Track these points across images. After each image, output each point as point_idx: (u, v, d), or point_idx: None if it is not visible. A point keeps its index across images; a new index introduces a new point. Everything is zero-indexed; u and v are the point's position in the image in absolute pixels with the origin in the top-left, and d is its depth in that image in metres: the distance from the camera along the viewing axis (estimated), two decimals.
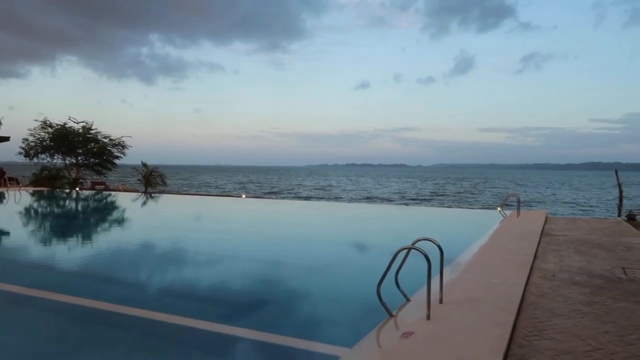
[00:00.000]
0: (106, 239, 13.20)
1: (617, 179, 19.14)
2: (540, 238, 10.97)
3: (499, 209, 16.48)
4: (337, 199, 47.90)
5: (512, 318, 5.00)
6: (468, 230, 15.03)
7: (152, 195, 27.96)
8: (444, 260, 5.89)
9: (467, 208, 35.02)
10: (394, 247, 5.31)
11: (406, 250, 5.41)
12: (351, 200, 45.94)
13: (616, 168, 21.17)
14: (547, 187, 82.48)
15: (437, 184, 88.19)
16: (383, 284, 5.12)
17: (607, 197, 50.40)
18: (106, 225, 16.21)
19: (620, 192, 18.78)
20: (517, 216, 15.40)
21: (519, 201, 15.85)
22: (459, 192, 60.68)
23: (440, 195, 55.78)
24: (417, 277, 5.62)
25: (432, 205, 39.61)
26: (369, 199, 48.12)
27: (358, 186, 77.31)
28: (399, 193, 58.22)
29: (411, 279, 6.02)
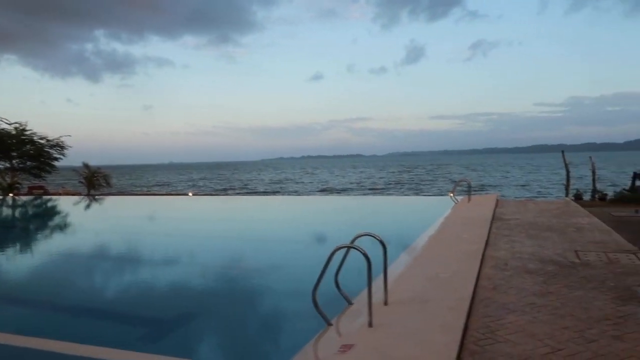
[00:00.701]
0: (33, 248, 11.96)
1: (564, 160, 19.31)
2: (491, 223, 10.63)
3: (450, 194, 16.22)
4: (292, 192, 47.12)
5: (463, 320, 4.44)
6: (419, 218, 14.64)
7: (95, 197, 26.33)
8: (390, 255, 5.30)
9: (421, 195, 35.05)
10: (342, 241, 4.66)
11: (346, 248, 4.76)
12: (307, 193, 45.27)
13: (561, 149, 21.44)
14: (497, 171, 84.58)
15: (393, 172, 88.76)
16: (323, 285, 4.46)
17: (556, 178, 51.93)
18: (37, 233, 14.84)
19: (567, 172, 18.93)
20: (469, 201, 15.16)
21: (469, 186, 15.64)
22: (414, 180, 61.12)
23: (397, 183, 55.93)
24: (363, 275, 4.99)
25: (389, 194, 39.50)
26: (325, 191, 47.60)
27: (314, 178, 76.82)
28: (356, 183, 58.04)
29: (355, 277, 5.38)
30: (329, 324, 4.58)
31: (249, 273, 8.35)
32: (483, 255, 7.39)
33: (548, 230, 9.73)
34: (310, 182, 60.79)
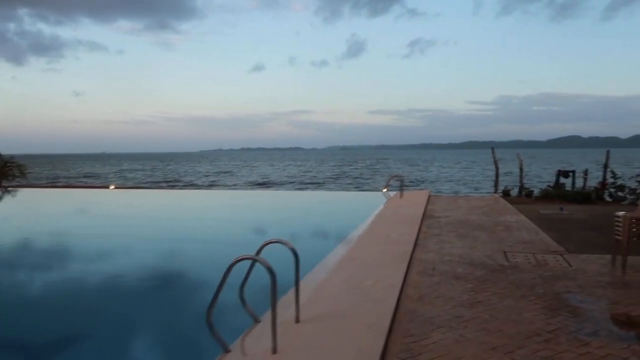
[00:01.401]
0: None
1: (494, 156, 19.60)
2: (421, 222, 10.30)
3: (384, 189, 15.90)
4: (227, 186, 45.65)
5: (382, 342, 3.85)
6: (350, 216, 14.13)
7: (8, 189, 23.92)
8: (314, 259, 4.68)
9: (359, 190, 34.74)
10: (261, 241, 3.94)
11: (257, 256, 4.04)
12: (243, 187, 43.99)
13: (491, 146, 21.81)
14: (434, 166, 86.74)
15: (333, 166, 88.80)
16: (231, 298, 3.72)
17: (487, 174, 53.76)
18: None
19: (497, 168, 19.22)
20: (401, 197, 14.89)
21: (402, 182, 15.37)
22: (353, 175, 61.21)
23: (337, 178, 55.60)
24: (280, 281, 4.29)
25: (327, 189, 39.00)
26: (263, 185, 46.44)
27: (254, 171, 75.15)
28: (294, 177, 57.24)
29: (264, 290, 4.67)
30: (227, 351, 3.85)
31: (139, 282, 7.34)
32: (411, 258, 6.92)
33: (478, 229, 9.50)
34: (245, 176, 59.29)
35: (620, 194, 16.22)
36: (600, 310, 4.76)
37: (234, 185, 45.26)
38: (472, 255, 7.18)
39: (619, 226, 6.28)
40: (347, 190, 32.34)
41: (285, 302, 4.60)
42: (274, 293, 3.71)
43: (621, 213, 6.28)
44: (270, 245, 4.32)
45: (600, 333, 4.17)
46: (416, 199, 14.78)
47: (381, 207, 13.10)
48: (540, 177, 40.54)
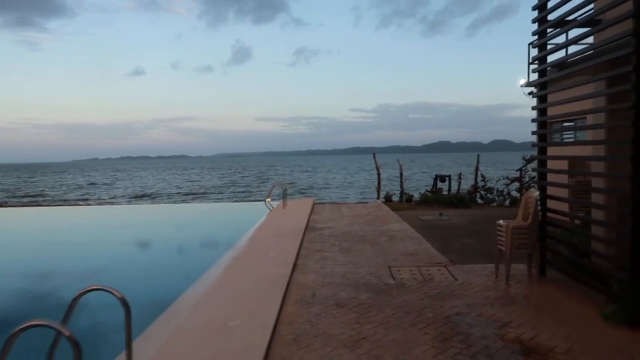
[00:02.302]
0: None
1: (375, 162, 19.76)
2: (304, 235, 9.57)
3: (268, 199, 15.03)
4: (97, 201, 41.45)
5: None
6: (227, 232, 12.66)
7: None
8: (178, 289, 3.57)
9: (239, 201, 33.29)
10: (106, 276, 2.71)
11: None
12: (116, 201, 40.24)
13: (372, 152, 22.05)
14: (321, 172, 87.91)
15: (222, 174, 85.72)
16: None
17: (372, 179, 55.34)
18: None
19: (379, 174, 19.38)
20: (284, 207, 14.12)
21: (284, 191, 14.61)
22: (241, 183, 59.41)
23: (224, 187, 53.23)
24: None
25: (214, 200, 36.95)
26: (139, 197, 42.79)
27: (133, 182, 69.62)
28: (180, 187, 53.73)
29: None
30: None
31: None
32: (289, 283, 6.08)
33: (361, 241, 8.99)
34: (119, 188, 54.34)
35: (489, 196, 17.14)
36: (492, 336, 4.29)
37: (107, 199, 41.30)
38: (356, 274, 6.54)
39: (501, 236, 6.02)
40: (233, 201, 30.79)
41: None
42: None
43: (503, 222, 6.04)
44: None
45: None
46: (300, 208, 14.12)
47: (263, 219, 12.20)
48: (420, 181, 42.63)
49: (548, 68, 6.18)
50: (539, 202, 5.97)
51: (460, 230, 10.11)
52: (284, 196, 14.59)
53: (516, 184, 16.96)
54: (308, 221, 11.65)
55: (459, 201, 15.27)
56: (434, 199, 15.81)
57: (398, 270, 6.74)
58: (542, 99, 6.21)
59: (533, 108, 6.36)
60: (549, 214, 6.23)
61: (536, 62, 6.26)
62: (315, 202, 16.87)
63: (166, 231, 13.24)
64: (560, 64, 6.07)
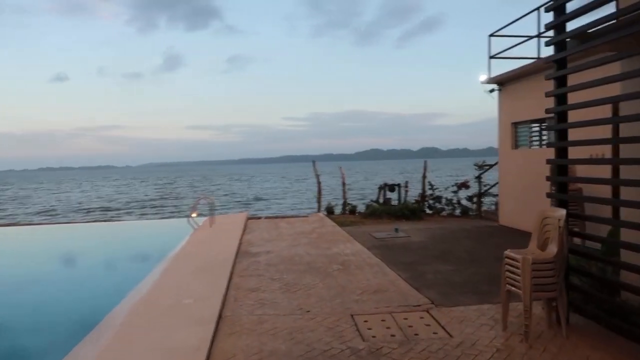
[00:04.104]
0: None
1: (315, 170, 17.91)
2: (234, 265, 7.43)
3: (193, 215, 12.68)
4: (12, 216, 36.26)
5: None
6: (134, 264, 10.02)
7: None
8: None
9: (161, 217, 29.48)
10: None
11: None
12: (22, 219, 35.38)
13: (306, 160, 20.27)
14: (257, 182, 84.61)
15: (157, 185, 79.81)
16: None
17: (312, 188, 52.91)
18: None
19: (319, 184, 17.54)
20: (211, 225, 11.86)
21: (212, 206, 12.32)
22: (170, 195, 55.03)
23: (145, 200, 48.53)
24: None
25: (137, 216, 32.67)
26: (47, 213, 37.50)
27: (53, 196, 62.62)
28: (102, 201, 48.44)
29: None
30: None
31: None
32: (208, 355, 3.97)
33: (309, 271, 6.99)
34: (29, 205, 48.13)
35: (438, 205, 15.79)
36: None
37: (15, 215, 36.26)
38: (308, 332, 4.53)
39: (513, 272, 4.25)
40: (149, 219, 26.45)
41: None
42: None
43: (514, 253, 4.27)
44: None
45: None
46: (230, 226, 11.91)
47: (183, 242, 9.88)
48: (363, 190, 41.23)
49: (567, 40, 4.52)
50: (562, 225, 4.25)
51: (426, 252, 8.38)
52: (211, 211, 12.31)
53: (466, 192, 15.73)
54: (240, 243, 9.51)
55: (411, 212, 13.70)
56: (384, 210, 14.14)
57: (365, 321, 4.81)
58: (561, 81, 4.54)
59: (547, 94, 4.69)
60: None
61: (551, 29, 4.58)
62: (250, 216, 14.70)
63: (49, 267, 10.29)
64: (582, 34, 4.42)
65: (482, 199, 14.77)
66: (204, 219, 12.88)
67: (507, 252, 4.37)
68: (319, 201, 17.46)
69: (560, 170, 4.59)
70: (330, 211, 16.46)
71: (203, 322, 4.70)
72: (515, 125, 10.92)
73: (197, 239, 10.22)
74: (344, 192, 17.52)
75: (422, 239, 9.73)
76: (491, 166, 14.27)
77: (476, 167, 15.12)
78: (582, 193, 7.68)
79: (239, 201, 41.94)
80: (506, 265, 4.37)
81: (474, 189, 15.79)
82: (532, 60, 9.93)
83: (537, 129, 10.03)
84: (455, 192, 15.77)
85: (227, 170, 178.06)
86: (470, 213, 14.91)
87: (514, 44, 10.36)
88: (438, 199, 16.01)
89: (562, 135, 4.56)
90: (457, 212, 15.35)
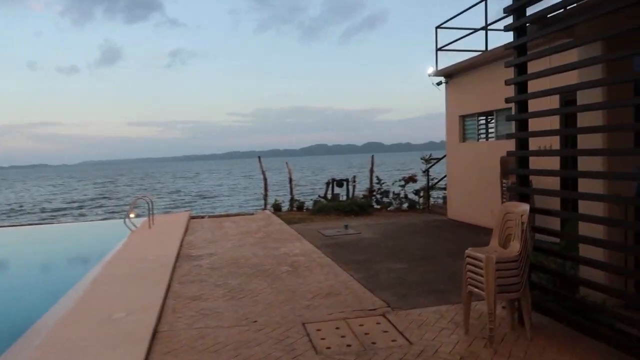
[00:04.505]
0: None
1: (261, 167, 17.34)
2: (173, 270, 6.82)
3: (131, 215, 11.83)
4: None
5: None
6: (59, 275, 8.98)
7: None
8: None
9: (97, 218, 27.72)
10: None
11: None
12: None
13: (252, 156, 19.69)
14: (199, 179, 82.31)
15: (98, 184, 75.38)
16: None
17: (259, 184, 51.65)
18: None
19: (265, 179, 17.01)
20: (150, 227, 11.08)
21: (150, 206, 11.51)
22: (113, 195, 52.21)
23: (83, 201, 45.72)
24: None
25: (73, 217, 30.54)
26: None
27: None
28: (33, 202, 45.31)
29: None
30: None
31: None
32: None
33: (256, 274, 6.51)
34: None
35: (385, 199, 15.68)
36: None
37: None
38: (254, 348, 4.06)
39: (476, 273, 3.97)
40: (74, 222, 24.01)
41: None
42: None
43: (476, 252, 3.99)
44: None
45: None
46: (171, 227, 11.18)
47: (119, 246, 9.11)
48: (310, 185, 40.83)
49: (527, 24, 4.28)
50: (525, 220, 4.01)
51: (378, 249, 8.09)
52: (149, 212, 11.50)
53: (414, 186, 15.71)
54: (181, 245, 8.86)
55: (359, 208, 13.46)
56: (332, 206, 13.82)
57: (318, 330, 4.40)
58: (521, 68, 4.29)
59: (507, 82, 4.44)
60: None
61: (510, 14, 4.33)
62: (193, 215, 13.97)
63: None
64: (542, 18, 4.19)
65: (430, 193, 14.77)
66: (143, 219, 12.06)
67: (469, 251, 4.09)
68: (265, 198, 16.93)
69: (522, 162, 4.36)
70: (277, 208, 15.98)
71: (135, 340, 4.12)
72: (463, 118, 10.87)
73: (134, 242, 9.46)
74: (291, 188, 17.08)
75: (373, 235, 9.47)
76: (438, 160, 14.26)
77: (423, 161, 15.10)
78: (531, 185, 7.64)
79: (183, 200, 40.55)
80: (468, 265, 4.09)
81: (420, 182, 15.81)
82: (479, 53, 9.87)
83: (490, 121, 9.97)
84: (402, 186, 15.71)
85: (171, 168, 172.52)
86: (418, 207, 14.90)
87: (461, 35, 10.30)
88: (385, 193, 15.91)
89: (522, 125, 4.32)
90: (405, 206, 15.30)
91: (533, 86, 4.36)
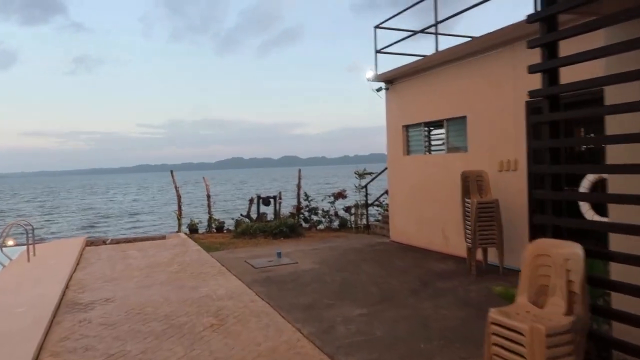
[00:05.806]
0: None
1: (174, 182, 15.28)
2: (46, 334, 4.86)
3: (10, 242, 9.41)
4: None
5: None
6: None
7: None
8: None
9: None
10: None
11: None
12: None
13: (164, 169, 17.57)
14: (111, 194, 75.75)
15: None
16: None
17: (164, 199, 48.33)
18: None
19: (179, 197, 14.97)
20: (29, 260, 8.76)
21: (28, 233, 9.13)
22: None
23: None
24: None
25: None
26: None
27: None
28: None
29: None
30: None
31: None
32: None
33: (167, 333, 4.74)
34: None
35: (314, 217, 14.35)
36: None
37: None
38: None
39: (508, 349, 2.61)
40: None
41: None
42: None
43: (517, 322, 2.65)
44: None
45: None
46: (58, 258, 8.94)
47: None
48: (229, 202, 38.45)
49: None
50: (579, 269, 2.72)
51: (324, 286, 6.59)
52: (27, 240, 9.14)
53: (345, 202, 14.52)
54: (67, 286, 6.80)
55: (290, 229, 11.92)
56: (258, 227, 12.15)
57: None
58: (551, 49, 3.05)
59: (530, 70, 3.18)
60: None
61: None
62: (91, 241, 11.64)
63: None
64: None
65: (363, 211, 13.62)
66: (19, 249, 9.65)
67: (496, 316, 2.73)
68: (179, 218, 14.88)
69: (555, 180, 3.10)
70: (193, 229, 14.02)
71: None
72: (407, 128, 9.78)
73: (2, 282, 7.21)
74: (209, 205, 15.18)
75: (313, 265, 7.97)
76: (378, 174, 13.14)
77: (357, 176, 13.95)
78: (498, 205, 6.62)
79: (88, 219, 36.00)
80: (494, 337, 2.73)
81: (351, 198, 14.68)
82: (424, 56, 8.83)
83: (441, 132, 8.87)
84: (332, 202, 14.46)
85: (75, 183, 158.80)
86: (350, 225, 13.71)
87: (403, 36, 9.26)
88: (314, 210, 14.59)
89: (554, 129, 3.08)
90: (336, 224, 14.05)
91: (532, 83, 3.20)
